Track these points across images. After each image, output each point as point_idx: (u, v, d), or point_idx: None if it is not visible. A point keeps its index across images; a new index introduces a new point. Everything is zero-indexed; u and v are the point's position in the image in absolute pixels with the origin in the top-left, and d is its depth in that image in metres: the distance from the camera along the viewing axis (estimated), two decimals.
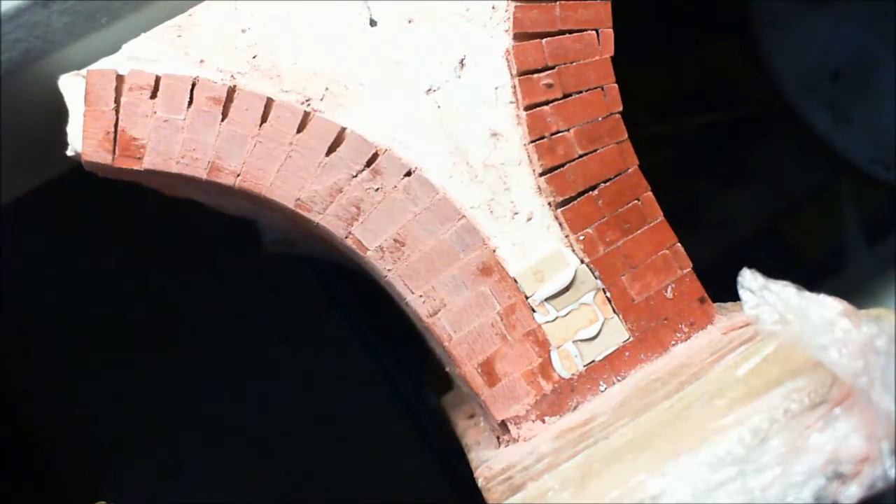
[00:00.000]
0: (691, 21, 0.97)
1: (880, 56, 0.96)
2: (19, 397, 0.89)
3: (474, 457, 0.47)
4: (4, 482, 0.78)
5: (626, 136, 0.47)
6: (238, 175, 0.43)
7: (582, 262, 0.45)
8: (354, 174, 0.44)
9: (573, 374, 0.44)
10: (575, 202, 0.46)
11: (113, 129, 0.43)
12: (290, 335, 0.93)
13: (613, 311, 0.45)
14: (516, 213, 0.45)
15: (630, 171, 0.46)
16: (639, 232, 0.46)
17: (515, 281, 0.45)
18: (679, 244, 0.47)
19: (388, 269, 0.44)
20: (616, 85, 0.47)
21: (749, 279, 0.43)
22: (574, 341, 0.45)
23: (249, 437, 0.89)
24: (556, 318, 0.45)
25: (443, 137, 0.45)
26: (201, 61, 0.44)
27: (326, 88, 0.44)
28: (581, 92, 0.46)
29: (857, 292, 0.89)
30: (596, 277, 0.45)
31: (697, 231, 0.93)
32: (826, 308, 0.38)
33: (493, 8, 0.46)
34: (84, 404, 0.87)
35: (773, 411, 0.36)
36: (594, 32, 0.47)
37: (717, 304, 0.47)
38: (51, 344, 0.88)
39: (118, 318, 0.89)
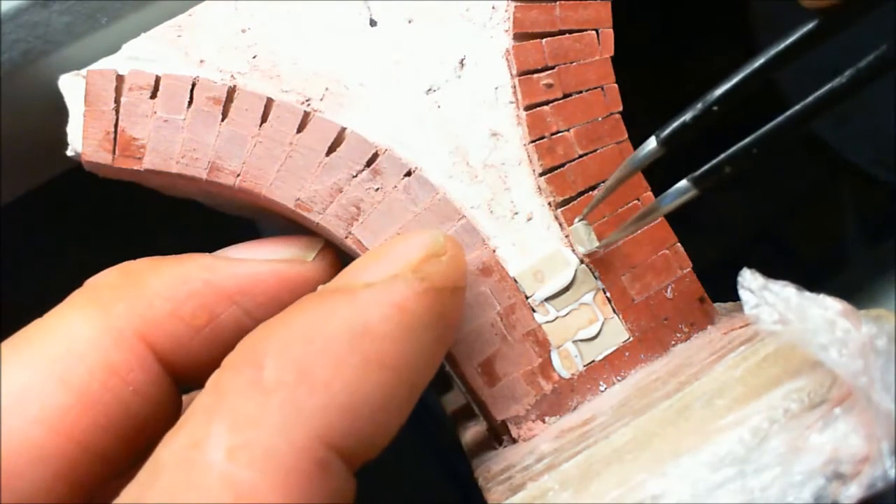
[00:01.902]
0: (691, 21, 0.97)
1: None
2: None
3: (474, 457, 0.47)
4: None
5: (626, 136, 0.47)
6: (238, 175, 0.43)
7: (582, 262, 0.45)
8: (354, 174, 0.44)
9: (573, 374, 0.44)
10: (575, 202, 0.46)
11: (113, 129, 0.43)
12: None
13: (613, 311, 0.45)
14: (516, 213, 0.45)
15: None
16: (639, 232, 0.46)
17: (515, 281, 0.44)
18: (679, 244, 0.47)
19: None
20: (616, 85, 0.47)
21: (749, 279, 0.43)
22: (574, 341, 0.45)
23: None
24: (556, 318, 0.45)
25: (443, 137, 0.45)
26: (201, 61, 0.44)
27: (326, 88, 0.44)
28: (581, 92, 0.46)
29: (857, 292, 0.89)
30: (596, 277, 0.45)
31: (697, 231, 0.93)
32: (826, 308, 0.38)
33: (493, 8, 0.46)
34: None
35: (772, 411, 0.35)
36: (594, 32, 0.47)
37: (717, 304, 0.47)
38: None
39: None
